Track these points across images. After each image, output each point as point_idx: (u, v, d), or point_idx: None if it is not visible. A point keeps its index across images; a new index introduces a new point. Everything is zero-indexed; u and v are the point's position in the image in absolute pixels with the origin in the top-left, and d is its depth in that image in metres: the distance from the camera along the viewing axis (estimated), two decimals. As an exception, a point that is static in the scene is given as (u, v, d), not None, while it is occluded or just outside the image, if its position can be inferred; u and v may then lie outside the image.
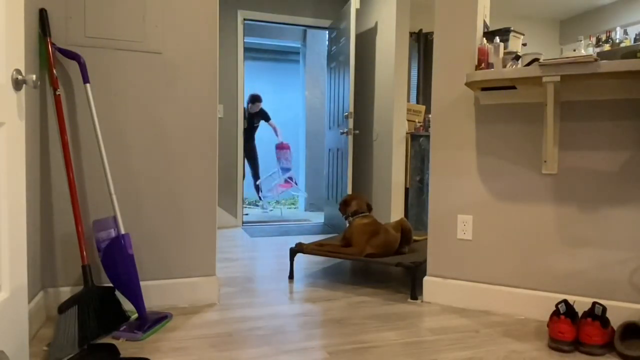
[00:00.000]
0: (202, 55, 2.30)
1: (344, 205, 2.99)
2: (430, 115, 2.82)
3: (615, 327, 1.87)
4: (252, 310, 2.28)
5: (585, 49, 2.82)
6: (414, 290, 2.47)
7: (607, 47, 3.80)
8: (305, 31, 6.95)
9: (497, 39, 2.25)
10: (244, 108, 5.62)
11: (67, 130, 2.06)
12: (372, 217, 2.87)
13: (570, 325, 1.81)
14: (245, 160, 6.08)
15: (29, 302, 1.83)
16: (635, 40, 4.21)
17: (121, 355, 1.67)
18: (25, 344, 1.46)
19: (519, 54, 2.21)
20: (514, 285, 2.25)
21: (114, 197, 2.00)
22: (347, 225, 2.94)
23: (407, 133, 4.19)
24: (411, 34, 4.94)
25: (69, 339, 1.71)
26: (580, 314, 1.95)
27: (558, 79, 1.88)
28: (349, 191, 4.43)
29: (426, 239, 2.80)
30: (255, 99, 6.37)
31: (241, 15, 5.03)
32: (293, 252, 2.89)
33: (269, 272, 3.05)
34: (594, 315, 1.87)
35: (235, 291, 2.60)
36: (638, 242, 2.00)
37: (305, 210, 6.76)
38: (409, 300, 2.47)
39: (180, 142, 2.28)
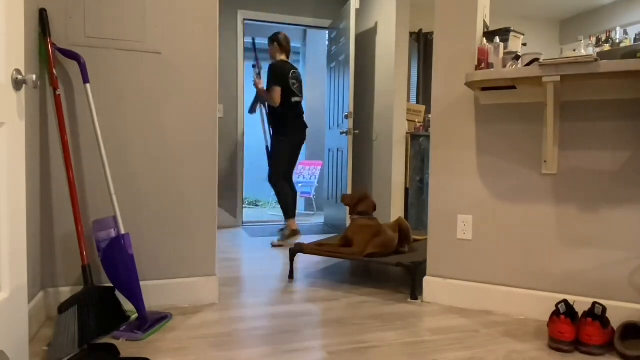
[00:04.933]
0: (202, 55, 2.30)
1: (356, 203, 2.90)
2: (430, 115, 2.82)
3: (615, 327, 1.87)
4: (252, 310, 2.28)
5: (585, 49, 2.82)
6: (414, 290, 2.47)
7: (607, 47, 3.80)
8: (305, 31, 6.95)
9: (497, 39, 2.25)
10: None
11: (67, 130, 2.06)
12: (375, 219, 2.86)
13: (570, 325, 1.81)
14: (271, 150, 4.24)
15: (29, 302, 1.83)
16: (635, 40, 4.21)
17: (121, 355, 1.67)
18: (25, 344, 1.46)
19: (519, 54, 2.21)
20: (514, 285, 2.25)
21: (114, 197, 2.00)
22: (350, 223, 2.93)
23: (407, 133, 4.19)
24: (411, 34, 4.94)
25: (69, 339, 1.71)
26: (580, 314, 1.95)
27: (558, 79, 1.88)
28: (349, 191, 4.43)
29: (426, 239, 2.80)
30: (280, 40, 4.20)
31: (241, 15, 5.03)
32: (293, 252, 2.89)
33: (269, 272, 3.05)
34: (594, 315, 1.87)
35: (235, 291, 2.60)
36: (638, 242, 2.00)
37: (305, 210, 6.76)
38: (409, 300, 2.47)
39: (180, 142, 2.28)
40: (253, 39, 4.72)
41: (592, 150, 2.08)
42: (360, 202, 2.92)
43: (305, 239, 4.07)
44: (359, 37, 4.84)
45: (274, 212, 6.49)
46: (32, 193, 1.90)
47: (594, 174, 2.07)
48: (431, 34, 4.88)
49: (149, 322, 1.96)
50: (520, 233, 2.23)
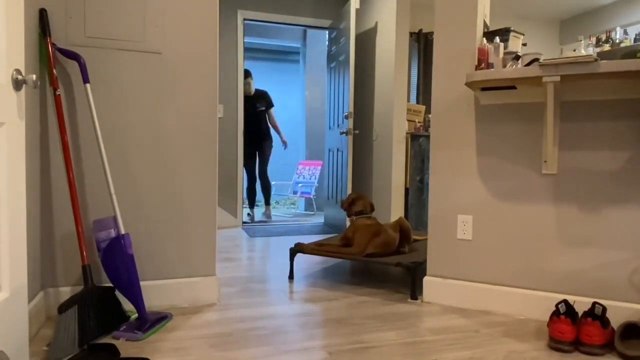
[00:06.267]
0: (202, 55, 2.30)
1: (350, 204, 2.98)
2: (430, 115, 2.82)
3: (615, 327, 1.87)
4: (252, 310, 2.28)
5: (585, 49, 2.82)
6: (414, 290, 2.47)
7: (607, 47, 3.80)
8: (305, 31, 6.95)
9: (497, 39, 2.25)
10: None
11: (67, 130, 2.06)
12: (374, 218, 2.87)
13: (570, 325, 1.81)
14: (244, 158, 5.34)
15: (29, 302, 1.84)
16: (635, 40, 4.21)
17: (121, 355, 1.67)
18: (25, 344, 1.46)
19: (519, 54, 2.21)
20: (514, 285, 2.25)
21: (114, 197, 2.00)
22: (349, 224, 2.94)
23: (407, 133, 4.19)
24: (411, 34, 4.94)
25: (69, 339, 1.71)
26: (580, 314, 1.95)
27: (558, 79, 1.88)
28: (349, 191, 4.43)
29: (426, 239, 2.80)
30: (244, 74, 5.37)
31: (241, 15, 5.03)
32: (293, 252, 2.89)
33: (269, 272, 3.05)
34: (594, 315, 1.87)
35: (235, 291, 2.60)
36: (638, 242, 2.00)
37: (305, 210, 6.76)
38: (409, 300, 2.47)
39: (180, 142, 2.28)
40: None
41: (592, 150, 2.08)
42: (355, 202, 2.94)
43: (305, 239, 4.07)
44: (359, 37, 4.84)
45: (274, 212, 6.50)
46: (32, 193, 1.90)
47: (594, 174, 2.07)
48: (431, 34, 4.88)
49: (149, 322, 1.96)
50: (520, 233, 2.23)
